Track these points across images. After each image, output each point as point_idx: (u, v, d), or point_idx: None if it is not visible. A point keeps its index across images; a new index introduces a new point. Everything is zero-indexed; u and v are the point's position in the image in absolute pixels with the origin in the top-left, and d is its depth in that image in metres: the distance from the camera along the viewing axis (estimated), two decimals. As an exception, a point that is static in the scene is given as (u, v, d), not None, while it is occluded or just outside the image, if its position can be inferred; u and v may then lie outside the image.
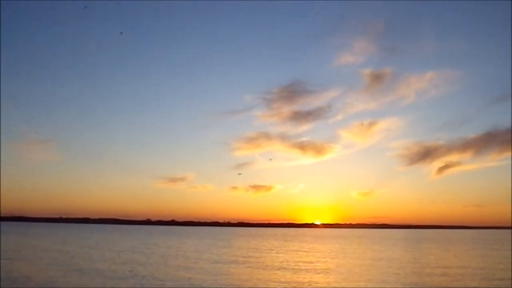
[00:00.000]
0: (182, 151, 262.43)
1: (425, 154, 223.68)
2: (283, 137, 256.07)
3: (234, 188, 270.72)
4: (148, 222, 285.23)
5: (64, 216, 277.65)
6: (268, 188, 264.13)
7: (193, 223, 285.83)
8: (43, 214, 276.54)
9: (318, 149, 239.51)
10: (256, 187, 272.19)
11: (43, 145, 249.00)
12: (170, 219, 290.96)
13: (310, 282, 25.20)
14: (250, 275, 27.87)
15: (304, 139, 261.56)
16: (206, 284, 23.59)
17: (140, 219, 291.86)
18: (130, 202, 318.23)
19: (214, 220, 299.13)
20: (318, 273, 29.55)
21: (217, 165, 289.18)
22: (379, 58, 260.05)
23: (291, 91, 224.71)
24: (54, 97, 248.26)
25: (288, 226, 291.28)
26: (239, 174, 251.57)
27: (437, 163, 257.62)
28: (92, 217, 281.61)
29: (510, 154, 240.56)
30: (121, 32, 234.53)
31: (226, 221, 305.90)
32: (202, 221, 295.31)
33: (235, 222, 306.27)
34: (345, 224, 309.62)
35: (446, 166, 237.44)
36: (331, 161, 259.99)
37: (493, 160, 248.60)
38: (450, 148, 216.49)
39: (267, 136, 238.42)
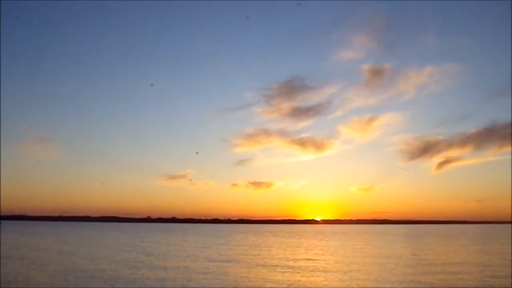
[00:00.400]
0: (182, 148, 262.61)
1: (425, 149, 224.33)
2: (283, 134, 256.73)
3: (235, 185, 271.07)
4: (148, 220, 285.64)
5: (64, 215, 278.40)
6: (268, 185, 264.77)
7: (194, 220, 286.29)
8: (44, 213, 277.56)
9: (318, 145, 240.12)
10: (257, 184, 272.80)
11: (43, 144, 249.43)
12: (170, 216, 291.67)
13: (308, 281, 25.22)
14: (248, 273, 27.91)
15: (304, 135, 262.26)
16: (204, 284, 23.63)
17: (140, 216, 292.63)
18: (130, 199, 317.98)
19: (214, 217, 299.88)
20: (316, 271, 29.59)
21: (217, 162, 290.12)
22: (378, 53, 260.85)
23: (291, 87, 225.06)
24: (54, 96, 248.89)
25: (288, 223, 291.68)
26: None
27: (437, 158, 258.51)
28: (92, 215, 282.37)
29: (510, 149, 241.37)
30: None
31: (227, 218, 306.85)
32: (202, 218, 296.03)
33: (236, 219, 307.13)
34: (346, 220, 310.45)
35: (446, 161, 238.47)
36: (331, 157, 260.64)
37: (493, 155, 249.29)
38: (450, 143, 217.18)
39: (267, 133, 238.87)
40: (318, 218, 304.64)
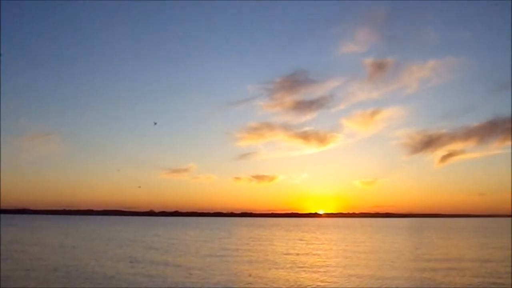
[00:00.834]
0: (185, 142, 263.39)
1: (428, 142, 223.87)
2: (286, 127, 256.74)
3: (237, 178, 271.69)
4: (151, 213, 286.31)
5: (67, 208, 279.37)
6: (271, 178, 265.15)
7: (197, 214, 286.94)
8: (46, 207, 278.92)
9: (321, 139, 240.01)
10: (259, 177, 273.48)
11: (44, 138, 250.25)
12: (173, 210, 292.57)
13: (309, 277, 25.15)
14: (249, 269, 27.88)
15: (307, 128, 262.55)
16: (205, 280, 23.59)
17: (143, 210, 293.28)
18: (133, 193, 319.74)
19: (217, 211, 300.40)
20: (316, 266, 29.54)
21: (220, 156, 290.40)
22: (381, 47, 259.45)
23: (294, 81, 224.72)
24: (55, 90, 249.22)
25: (291, 216, 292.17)
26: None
27: (440, 152, 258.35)
28: (95, 208, 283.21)
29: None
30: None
31: (230, 211, 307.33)
32: (205, 211, 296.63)
33: (239, 212, 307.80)
34: (348, 213, 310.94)
35: (449, 155, 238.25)
36: (334, 151, 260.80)
37: (496, 148, 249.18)
38: (453, 137, 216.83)
39: (269, 126, 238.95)
40: (321, 212, 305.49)
